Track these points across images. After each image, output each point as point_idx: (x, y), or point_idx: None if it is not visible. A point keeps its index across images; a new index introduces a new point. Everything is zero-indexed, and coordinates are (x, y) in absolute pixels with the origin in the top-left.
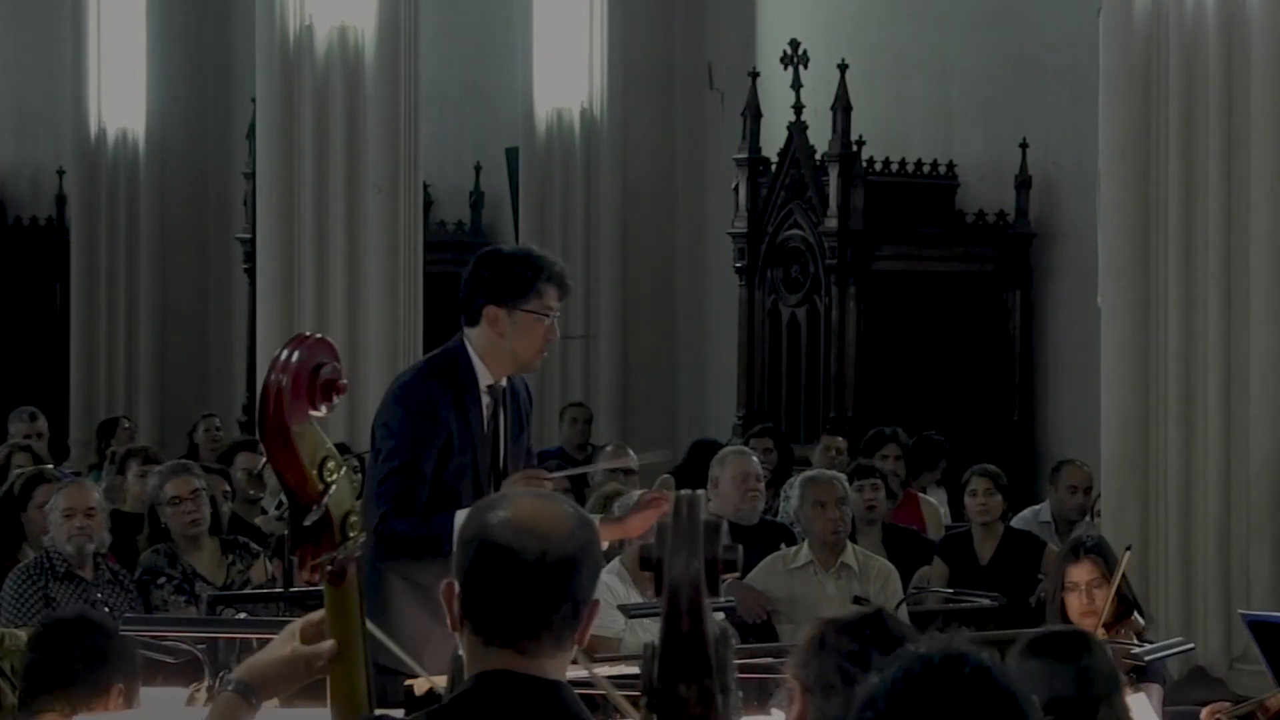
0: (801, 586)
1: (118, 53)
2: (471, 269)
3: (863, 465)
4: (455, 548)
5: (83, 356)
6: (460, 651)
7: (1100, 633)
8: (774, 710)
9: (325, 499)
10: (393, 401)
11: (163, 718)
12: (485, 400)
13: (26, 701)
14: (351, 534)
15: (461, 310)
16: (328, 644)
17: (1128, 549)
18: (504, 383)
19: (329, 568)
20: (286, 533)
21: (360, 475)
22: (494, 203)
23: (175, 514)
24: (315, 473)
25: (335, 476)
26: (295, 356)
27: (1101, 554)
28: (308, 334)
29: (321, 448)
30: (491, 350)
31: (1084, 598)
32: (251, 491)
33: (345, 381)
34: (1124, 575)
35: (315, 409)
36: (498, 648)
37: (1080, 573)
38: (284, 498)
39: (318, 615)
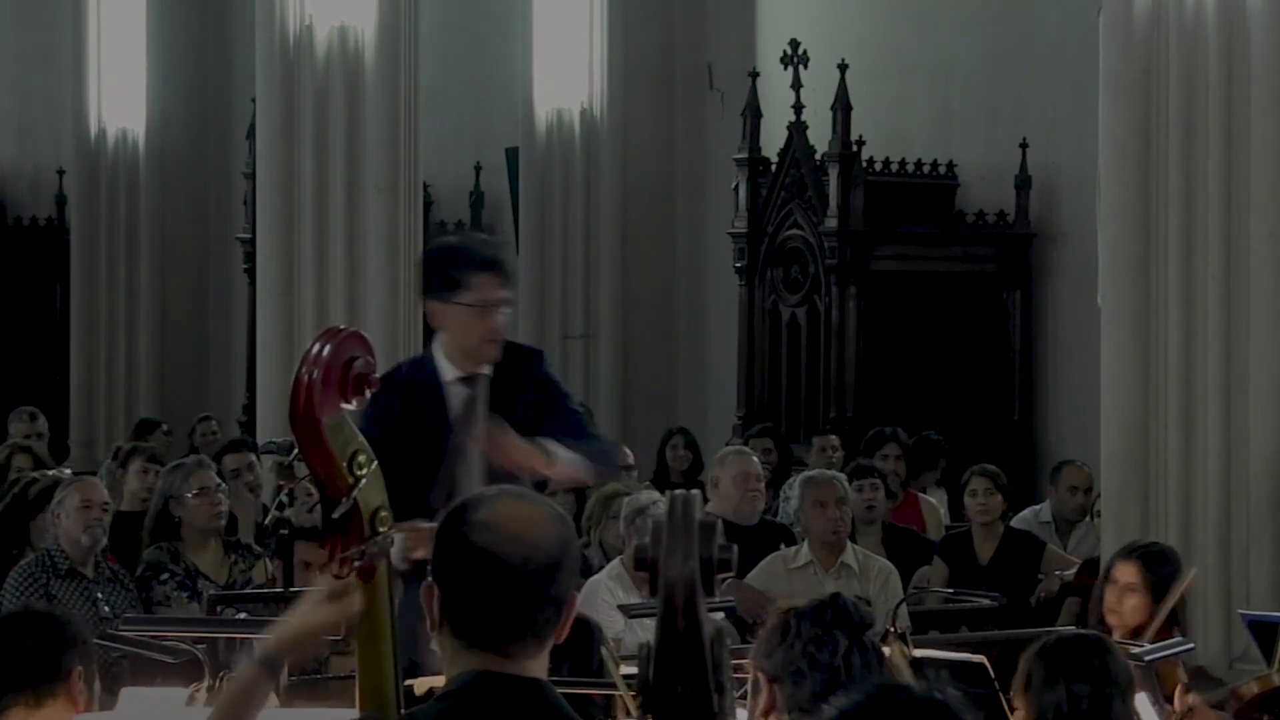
0: (802, 586)
1: (118, 53)
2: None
3: (862, 465)
4: (434, 550)
5: (83, 356)
6: (434, 646)
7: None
8: (739, 709)
9: (354, 493)
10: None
11: (163, 718)
12: (455, 390)
13: None
14: (381, 529)
15: None
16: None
17: (1194, 569)
18: (487, 370)
19: (357, 562)
20: (286, 531)
21: None
22: (494, 203)
23: (200, 506)
24: (345, 466)
25: (365, 471)
26: (326, 350)
27: (1148, 560)
28: (341, 327)
29: (353, 442)
30: (446, 345)
31: (1116, 596)
32: (282, 483)
33: (378, 375)
34: (1182, 598)
35: (347, 402)
36: (481, 651)
37: (1122, 572)
38: (284, 496)
39: (340, 585)
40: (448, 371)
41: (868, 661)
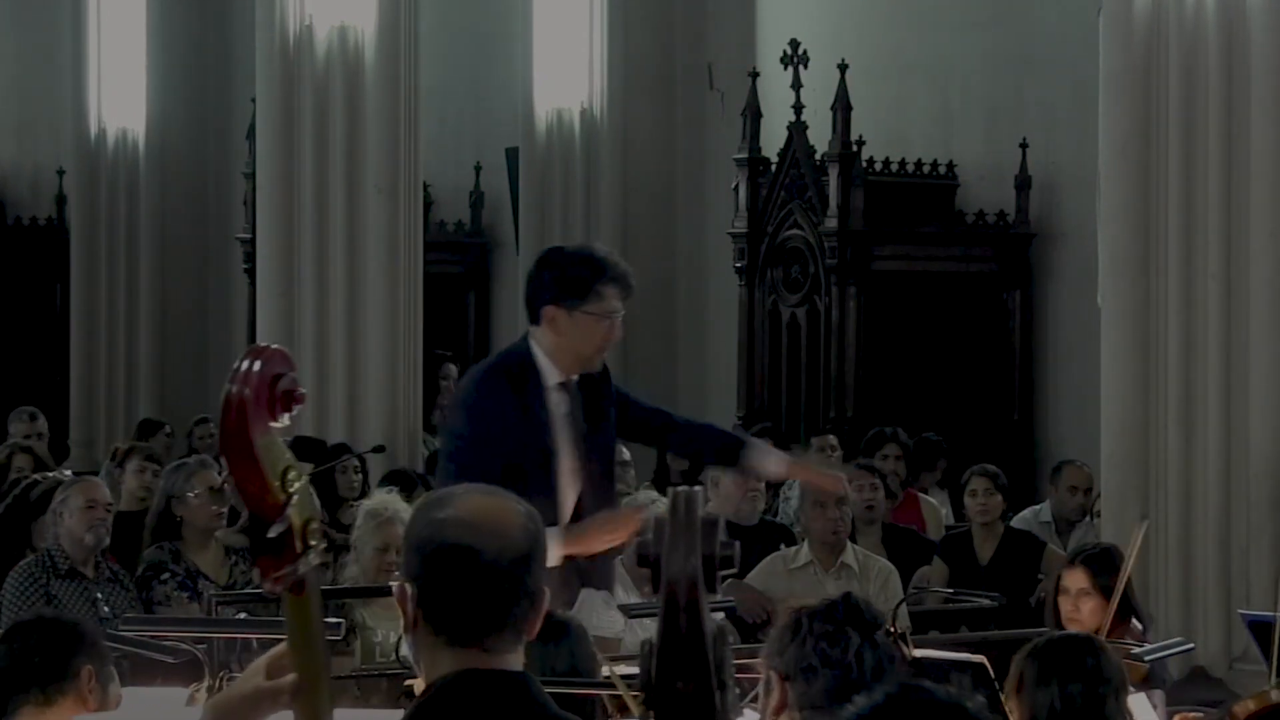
0: (802, 586)
1: (118, 53)
2: (534, 268)
3: (862, 465)
4: (405, 550)
5: (83, 356)
6: (406, 651)
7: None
8: (746, 710)
9: (289, 509)
10: (462, 410)
11: (163, 718)
12: (556, 398)
13: (3, 706)
14: (313, 543)
15: (526, 309)
16: (290, 678)
17: (1144, 518)
18: (575, 378)
19: (291, 579)
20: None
21: (360, 475)
22: (494, 203)
23: (202, 505)
24: (278, 483)
25: (297, 486)
26: (257, 366)
27: (1094, 564)
28: (264, 345)
29: (282, 458)
30: (556, 349)
31: (1071, 604)
32: (214, 507)
33: (304, 391)
34: (1129, 582)
35: (275, 420)
36: (460, 648)
37: (1071, 579)
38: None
39: (282, 649)
40: (550, 375)
41: (879, 659)
